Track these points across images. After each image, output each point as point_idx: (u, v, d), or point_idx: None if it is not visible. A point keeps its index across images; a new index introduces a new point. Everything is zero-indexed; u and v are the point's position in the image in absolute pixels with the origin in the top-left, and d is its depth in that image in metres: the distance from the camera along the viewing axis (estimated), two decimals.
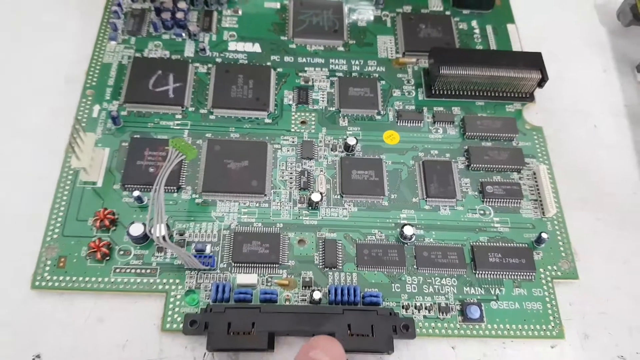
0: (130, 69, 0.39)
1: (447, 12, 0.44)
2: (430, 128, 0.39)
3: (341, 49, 0.42)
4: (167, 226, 0.33)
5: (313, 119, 0.38)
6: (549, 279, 0.33)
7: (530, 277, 0.33)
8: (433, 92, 0.39)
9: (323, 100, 0.39)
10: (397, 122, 0.39)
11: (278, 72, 0.40)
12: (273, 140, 0.37)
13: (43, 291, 0.31)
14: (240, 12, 0.43)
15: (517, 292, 0.33)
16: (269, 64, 0.40)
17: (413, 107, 0.39)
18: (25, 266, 0.32)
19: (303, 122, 0.38)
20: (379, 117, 0.39)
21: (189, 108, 0.38)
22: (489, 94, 0.40)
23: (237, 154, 0.36)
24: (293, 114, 0.39)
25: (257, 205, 0.35)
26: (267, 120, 0.38)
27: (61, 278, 0.32)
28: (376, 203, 0.35)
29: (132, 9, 0.42)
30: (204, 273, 0.32)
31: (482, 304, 0.32)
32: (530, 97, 0.40)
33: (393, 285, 0.33)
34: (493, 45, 0.43)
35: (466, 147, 0.38)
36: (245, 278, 0.32)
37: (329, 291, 0.31)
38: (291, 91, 0.39)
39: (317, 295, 0.31)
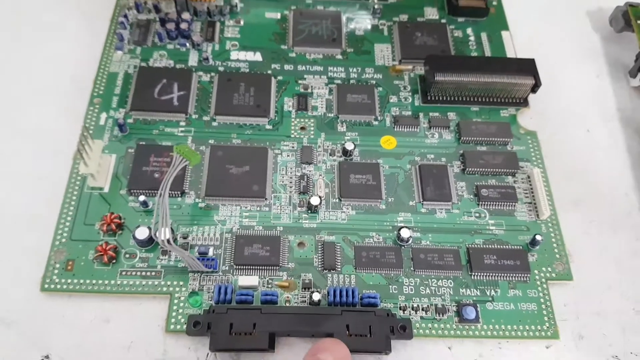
0: (136, 78, 0.40)
1: (443, 21, 0.46)
2: (427, 133, 0.40)
3: (339, 57, 0.43)
4: (172, 230, 0.34)
5: (312, 124, 0.39)
6: (543, 280, 0.34)
7: (525, 279, 0.34)
8: (429, 98, 0.40)
9: (322, 107, 0.40)
10: (394, 127, 0.40)
11: (278, 80, 0.41)
12: (273, 145, 0.38)
13: (52, 293, 0.32)
14: (242, 23, 0.44)
15: (512, 293, 0.33)
16: (269, 72, 0.42)
17: (409, 113, 0.40)
18: (35, 269, 0.33)
19: (302, 128, 0.39)
20: (376, 123, 0.40)
21: (192, 115, 0.39)
22: (483, 100, 0.41)
23: (238, 160, 0.37)
24: (293, 120, 0.40)
25: (258, 209, 0.36)
26: (268, 127, 0.39)
27: (69, 281, 0.32)
28: (374, 206, 0.36)
29: (137, 20, 0.43)
30: (207, 275, 0.33)
31: (478, 305, 0.33)
32: (524, 102, 0.41)
33: (390, 286, 0.33)
34: (488, 52, 0.44)
35: (461, 152, 0.38)
36: (247, 280, 0.33)
37: (328, 293, 0.32)
38: (291, 98, 0.40)
39: (316, 296, 0.32)
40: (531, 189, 0.37)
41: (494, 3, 0.47)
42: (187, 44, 0.42)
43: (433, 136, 0.39)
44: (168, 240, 0.31)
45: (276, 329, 0.31)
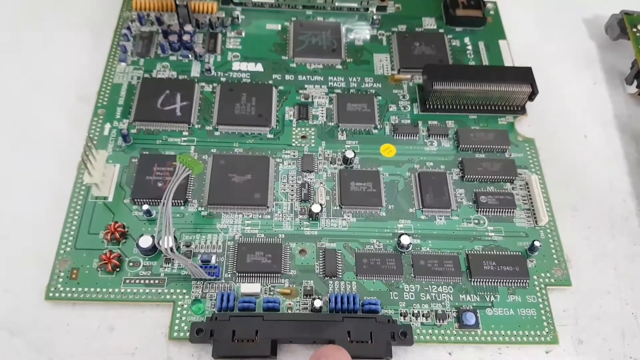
0: (140, 88, 0.41)
1: (441, 30, 0.46)
2: (425, 141, 0.40)
3: (339, 67, 0.44)
4: (175, 238, 0.34)
5: (313, 133, 0.40)
6: (542, 285, 0.34)
7: (524, 284, 0.34)
8: (427, 106, 0.41)
9: (322, 116, 0.41)
10: (393, 135, 0.40)
11: (279, 90, 0.42)
12: (275, 154, 0.39)
13: (56, 302, 0.33)
14: (243, 34, 0.45)
15: (511, 298, 0.34)
16: (270, 82, 0.42)
17: (408, 121, 0.41)
18: (40, 278, 0.33)
19: (303, 137, 0.40)
20: (376, 131, 0.40)
21: (195, 125, 0.40)
22: (481, 108, 0.41)
23: (240, 168, 0.37)
24: (294, 129, 0.40)
25: (260, 216, 0.36)
26: (269, 136, 0.40)
27: (74, 289, 0.33)
28: (374, 213, 0.37)
29: (140, 32, 0.44)
30: (210, 283, 0.33)
31: (478, 311, 0.33)
32: (521, 110, 0.42)
33: (391, 293, 0.34)
34: (485, 61, 0.45)
35: (460, 159, 0.39)
36: (249, 287, 0.33)
37: (329, 299, 0.32)
38: (292, 108, 0.41)
39: (317, 303, 0.32)
40: (529, 195, 0.38)
41: (491, 12, 0.48)
42: (190, 56, 0.43)
43: (432, 144, 0.40)
44: (171, 249, 0.31)
45: (278, 336, 0.31)
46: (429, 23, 0.47)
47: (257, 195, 0.36)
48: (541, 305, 0.34)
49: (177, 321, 0.32)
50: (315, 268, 0.34)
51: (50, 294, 0.33)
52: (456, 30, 0.46)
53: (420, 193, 0.37)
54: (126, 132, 0.38)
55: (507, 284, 0.34)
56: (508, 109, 0.41)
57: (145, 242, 0.34)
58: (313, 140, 0.40)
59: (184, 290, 0.33)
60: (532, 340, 0.33)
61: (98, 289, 0.33)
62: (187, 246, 0.35)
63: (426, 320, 0.33)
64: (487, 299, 0.34)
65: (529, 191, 0.38)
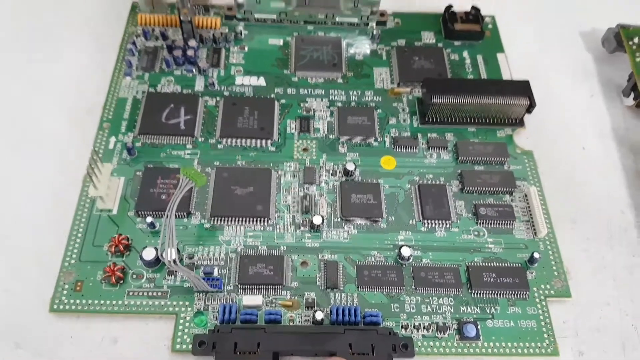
0: (144, 102, 0.41)
1: (439, 45, 0.47)
2: (425, 153, 0.41)
3: (340, 80, 0.44)
4: (178, 250, 0.35)
5: (314, 146, 0.41)
6: (542, 297, 0.34)
7: (524, 296, 0.34)
8: (427, 119, 0.42)
9: (323, 129, 0.41)
10: (393, 148, 0.41)
11: (281, 104, 0.43)
12: (277, 167, 0.39)
13: (61, 314, 0.33)
14: (246, 49, 0.46)
15: (511, 310, 0.34)
16: (273, 96, 0.43)
17: (408, 134, 0.41)
18: (44, 290, 0.33)
19: (305, 150, 0.40)
20: (376, 144, 0.41)
21: (198, 138, 0.40)
22: (480, 121, 0.42)
23: (243, 181, 0.38)
24: (295, 142, 0.41)
25: (262, 228, 0.36)
26: (272, 149, 0.40)
27: (78, 301, 0.33)
28: (375, 225, 0.37)
29: (145, 47, 0.45)
30: (212, 295, 0.34)
31: (478, 323, 0.33)
32: (520, 123, 0.42)
33: (392, 305, 0.34)
34: (484, 74, 0.45)
35: (459, 171, 0.39)
36: (251, 299, 0.33)
37: (330, 311, 0.33)
38: (294, 121, 0.42)
39: (319, 315, 0.32)
40: (528, 207, 0.38)
41: (490, 26, 0.48)
42: (194, 70, 0.44)
43: (431, 156, 0.40)
44: (174, 261, 0.31)
45: (280, 348, 0.31)
46: (428, 37, 0.48)
47: (259, 207, 0.37)
48: (541, 317, 0.34)
49: (179, 333, 0.32)
50: (316, 280, 0.35)
51: (55, 306, 0.33)
52: (455, 44, 0.47)
53: (420, 205, 0.38)
54: (131, 146, 0.39)
55: (507, 296, 0.34)
56: (506, 121, 0.42)
57: (149, 254, 0.34)
58: (314, 153, 0.40)
59: (187, 303, 0.33)
60: (533, 352, 0.33)
61: (102, 301, 0.33)
62: (190, 258, 0.35)
63: (427, 332, 0.33)
64: (488, 311, 0.34)
65: (528, 203, 0.38)
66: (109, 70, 0.43)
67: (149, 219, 0.36)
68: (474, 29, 0.47)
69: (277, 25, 0.47)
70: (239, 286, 0.34)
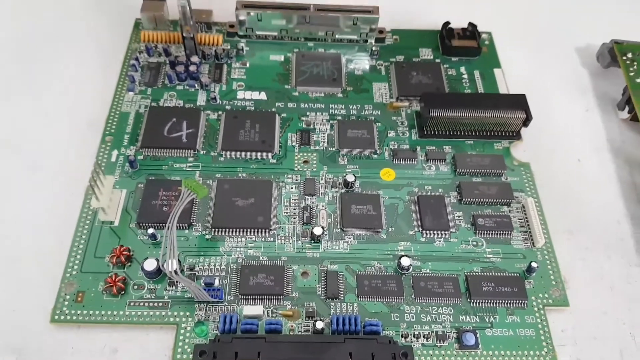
0: (147, 116, 0.42)
1: (437, 60, 0.48)
2: (424, 165, 0.41)
3: (340, 95, 0.45)
4: (179, 261, 0.35)
5: (315, 158, 0.41)
6: (540, 306, 0.35)
7: (522, 305, 0.35)
8: (425, 132, 0.42)
9: (324, 142, 0.42)
10: (392, 160, 0.41)
11: (282, 117, 0.43)
12: (278, 178, 0.40)
13: (62, 325, 0.33)
14: (247, 65, 0.46)
15: (510, 319, 0.34)
16: (274, 109, 0.44)
17: (407, 147, 0.42)
18: (46, 301, 0.34)
19: (305, 162, 0.41)
20: (375, 156, 0.41)
21: (200, 151, 0.41)
22: (477, 134, 0.42)
23: (244, 192, 0.38)
24: (296, 154, 0.41)
25: (263, 239, 0.37)
26: (272, 161, 0.41)
27: (79, 312, 0.33)
28: (375, 236, 0.37)
29: (148, 63, 0.45)
30: (213, 305, 0.34)
31: (478, 331, 0.33)
32: (517, 136, 0.43)
33: (392, 314, 0.34)
34: (481, 89, 0.46)
35: (458, 183, 0.40)
36: (251, 309, 0.33)
37: (331, 321, 0.33)
38: (294, 134, 0.42)
39: (319, 325, 0.32)
40: (526, 218, 0.38)
41: (486, 43, 0.50)
42: (196, 85, 0.44)
43: (430, 168, 0.41)
44: (175, 271, 0.32)
45: (280, 358, 0.31)
46: (426, 53, 0.49)
47: (260, 218, 0.37)
48: (540, 326, 0.34)
49: (180, 343, 0.32)
50: (317, 290, 0.35)
51: (56, 317, 0.33)
52: (452, 60, 0.48)
53: (419, 216, 0.38)
54: (133, 159, 0.39)
55: (505, 305, 0.35)
56: (503, 134, 0.43)
57: (150, 265, 0.34)
58: (315, 165, 0.41)
59: (188, 313, 0.34)
60: None
61: (103, 312, 0.33)
62: (191, 269, 0.35)
63: (427, 341, 0.33)
64: (487, 320, 0.34)
65: (525, 214, 0.39)
66: (112, 85, 0.44)
67: (151, 230, 0.36)
68: (471, 45, 0.48)
69: (278, 42, 0.48)
70: (240, 296, 0.34)
